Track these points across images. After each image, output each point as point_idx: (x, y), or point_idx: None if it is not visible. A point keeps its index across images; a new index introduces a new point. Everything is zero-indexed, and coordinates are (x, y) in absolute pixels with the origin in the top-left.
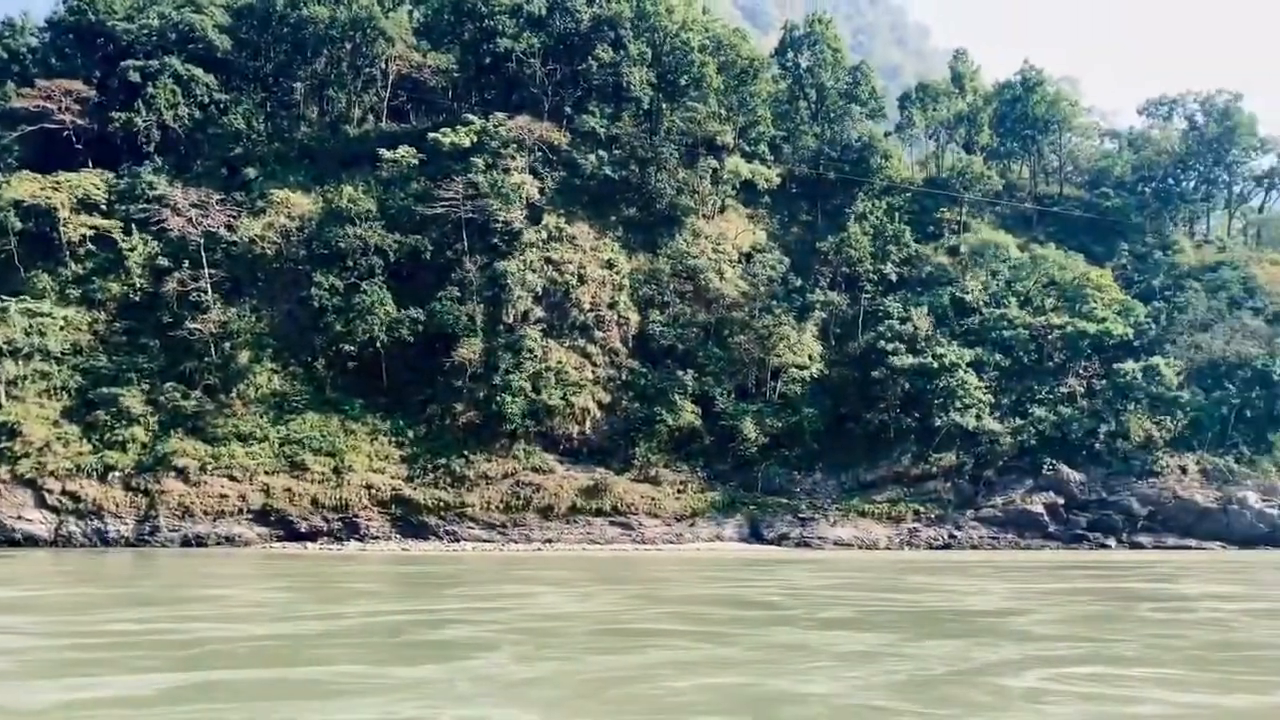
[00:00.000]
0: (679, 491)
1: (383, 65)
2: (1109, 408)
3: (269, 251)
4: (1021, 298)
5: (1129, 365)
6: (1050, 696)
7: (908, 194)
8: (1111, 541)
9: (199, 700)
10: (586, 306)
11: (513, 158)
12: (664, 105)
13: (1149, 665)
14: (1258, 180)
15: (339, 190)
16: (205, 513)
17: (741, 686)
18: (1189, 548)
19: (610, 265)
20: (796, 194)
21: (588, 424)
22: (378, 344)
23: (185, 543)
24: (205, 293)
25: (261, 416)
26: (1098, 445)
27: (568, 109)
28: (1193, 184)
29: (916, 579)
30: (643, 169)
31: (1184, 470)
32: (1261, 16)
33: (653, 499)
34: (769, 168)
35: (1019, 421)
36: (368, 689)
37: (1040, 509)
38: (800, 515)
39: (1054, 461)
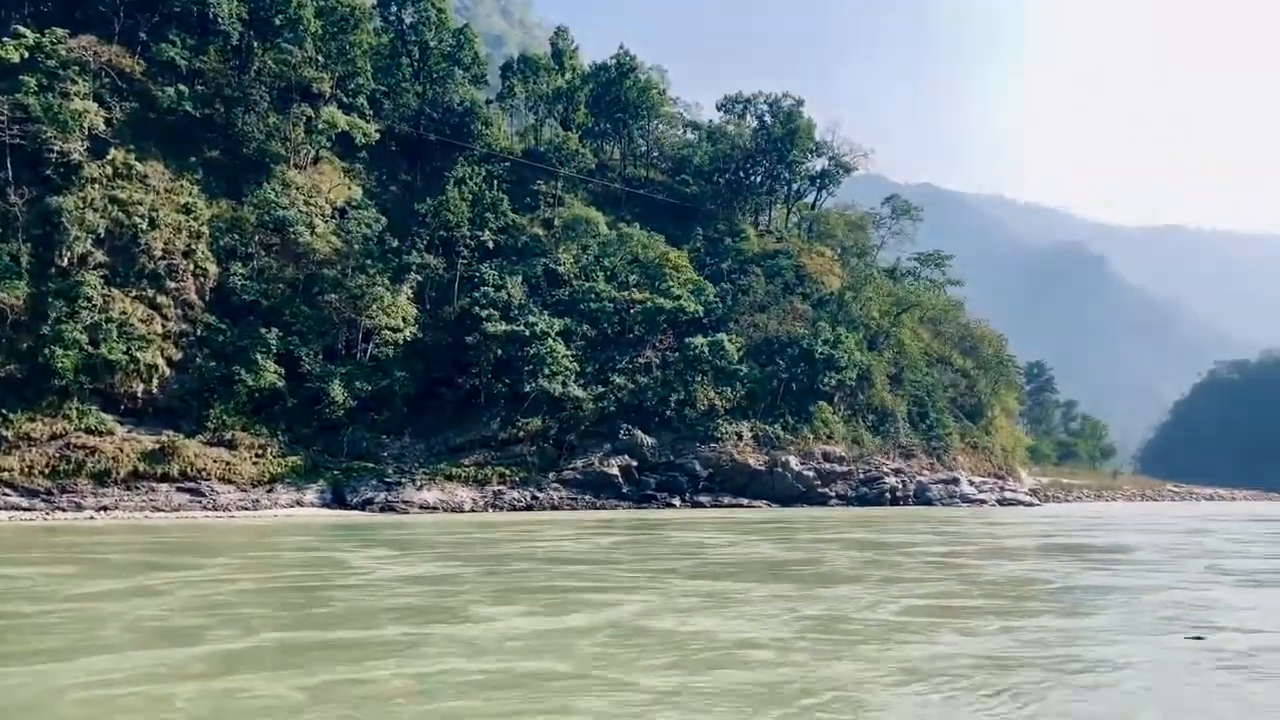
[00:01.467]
0: (257, 456)
1: None
2: (680, 378)
3: None
4: (608, 273)
5: (698, 340)
6: (978, 625)
7: (507, 163)
8: (676, 501)
9: (263, 667)
10: (158, 253)
11: (74, 81)
12: (255, 43)
13: (992, 599)
14: (812, 180)
15: None
16: None
17: (724, 626)
18: (742, 505)
19: (187, 210)
20: (396, 152)
21: (155, 382)
22: None
23: None
24: None
25: None
26: (669, 412)
27: (143, 35)
28: (759, 178)
29: (676, 535)
30: (229, 109)
31: (740, 436)
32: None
33: (228, 463)
34: (368, 122)
35: (601, 389)
36: (421, 643)
37: (616, 471)
38: (386, 480)
39: (630, 427)
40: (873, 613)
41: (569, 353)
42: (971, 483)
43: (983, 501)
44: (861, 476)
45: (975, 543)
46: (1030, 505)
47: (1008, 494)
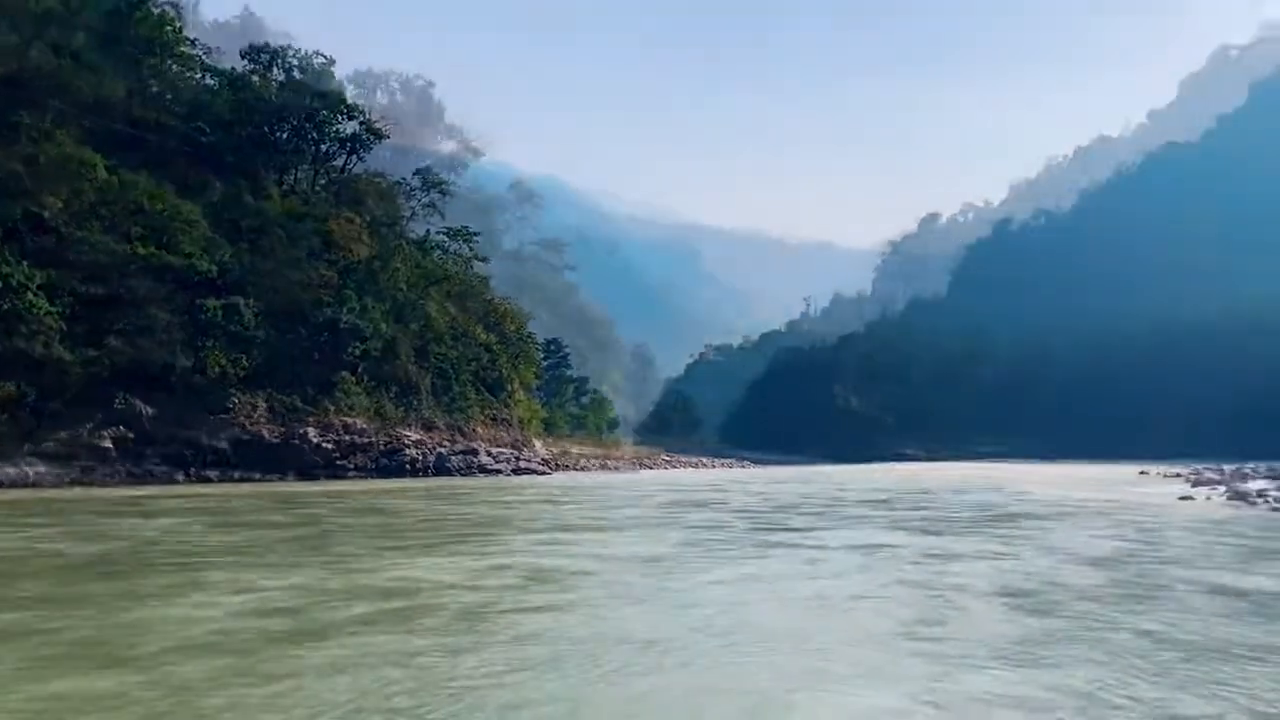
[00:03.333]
0: None
1: None
2: (189, 343)
3: None
4: (106, 223)
5: (211, 302)
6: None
7: None
8: (180, 475)
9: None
10: None
11: None
12: None
13: (752, 544)
14: (342, 143)
15: None
16: None
17: (601, 565)
18: (255, 479)
19: None
20: None
21: None
22: None
23: None
24: None
25: None
26: (174, 380)
27: None
28: (286, 135)
29: (392, 504)
30: None
31: (255, 407)
32: None
33: None
34: None
35: (93, 352)
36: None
37: (109, 444)
38: None
39: (128, 395)
40: (695, 549)
41: (54, 310)
42: (490, 453)
43: (499, 471)
44: (382, 448)
45: (649, 498)
46: (543, 474)
47: (523, 464)
